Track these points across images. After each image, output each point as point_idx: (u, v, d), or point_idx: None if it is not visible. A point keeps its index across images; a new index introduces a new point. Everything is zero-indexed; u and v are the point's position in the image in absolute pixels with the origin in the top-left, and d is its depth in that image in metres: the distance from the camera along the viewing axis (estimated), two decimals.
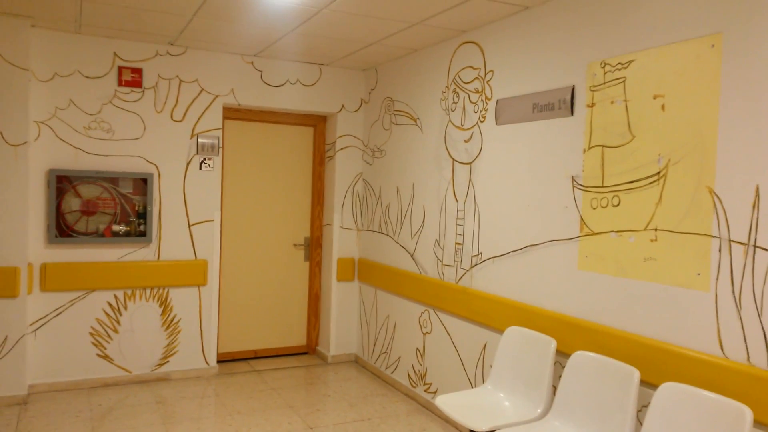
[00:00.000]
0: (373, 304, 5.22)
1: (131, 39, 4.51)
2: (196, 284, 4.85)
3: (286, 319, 5.54)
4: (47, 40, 4.33)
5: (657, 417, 2.44)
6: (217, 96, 4.87)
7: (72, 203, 4.45)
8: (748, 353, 2.34)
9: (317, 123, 5.53)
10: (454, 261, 4.10)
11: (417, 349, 4.53)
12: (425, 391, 4.41)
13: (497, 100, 3.70)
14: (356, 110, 5.41)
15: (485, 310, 3.74)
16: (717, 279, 2.44)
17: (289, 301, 5.54)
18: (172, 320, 4.79)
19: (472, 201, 3.94)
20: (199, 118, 4.81)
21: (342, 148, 5.37)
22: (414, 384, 4.56)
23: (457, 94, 4.10)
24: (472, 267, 3.92)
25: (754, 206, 2.32)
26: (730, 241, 2.40)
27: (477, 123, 3.90)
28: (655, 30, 2.71)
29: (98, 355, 4.58)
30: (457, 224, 4.09)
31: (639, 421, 2.66)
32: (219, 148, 4.88)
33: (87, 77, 4.46)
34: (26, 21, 4.10)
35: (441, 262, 4.25)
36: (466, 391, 3.35)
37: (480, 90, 3.87)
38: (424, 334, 4.44)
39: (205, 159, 4.85)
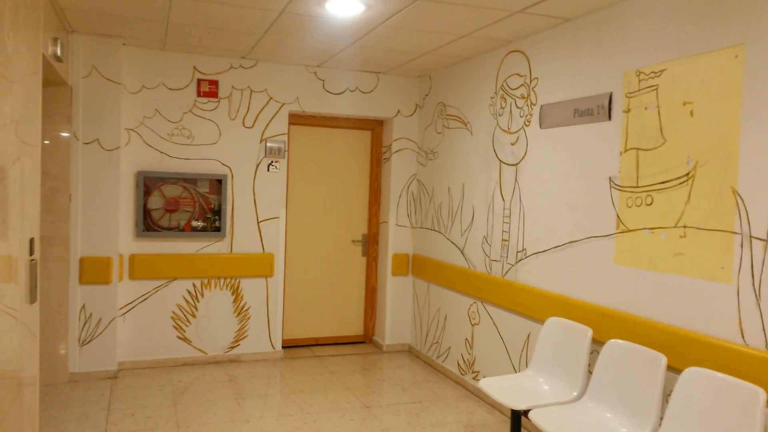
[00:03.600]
0: (425, 297, 5.55)
1: (209, 54, 5.02)
2: (264, 275, 5.32)
3: (345, 310, 5.94)
4: (136, 57, 4.88)
5: (680, 398, 2.66)
6: (283, 104, 5.32)
7: (157, 201, 4.99)
8: (766, 340, 2.53)
9: (375, 127, 5.90)
10: (501, 256, 4.37)
11: (466, 339, 4.82)
12: (473, 378, 4.70)
13: (541, 106, 3.96)
14: (411, 115, 5.74)
15: (529, 302, 4.00)
16: (739, 272, 2.64)
17: (348, 293, 5.94)
18: (242, 307, 5.27)
19: (518, 200, 4.20)
20: (267, 124, 5.27)
21: (397, 151, 5.72)
22: (463, 372, 4.85)
23: (505, 99, 4.37)
24: (517, 262, 4.19)
25: None
26: (750, 237, 2.59)
27: (522, 127, 4.16)
28: (684, 41, 2.92)
29: (178, 337, 5.11)
30: (503, 222, 4.36)
31: (666, 403, 2.87)
32: (285, 151, 5.32)
33: (170, 89, 4.99)
34: (119, 41, 4.65)
35: (488, 257, 4.52)
36: (508, 375, 3.63)
37: (526, 96, 4.13)
38: (473, 325, 4.73)
39: (272, 161, 5.30)
